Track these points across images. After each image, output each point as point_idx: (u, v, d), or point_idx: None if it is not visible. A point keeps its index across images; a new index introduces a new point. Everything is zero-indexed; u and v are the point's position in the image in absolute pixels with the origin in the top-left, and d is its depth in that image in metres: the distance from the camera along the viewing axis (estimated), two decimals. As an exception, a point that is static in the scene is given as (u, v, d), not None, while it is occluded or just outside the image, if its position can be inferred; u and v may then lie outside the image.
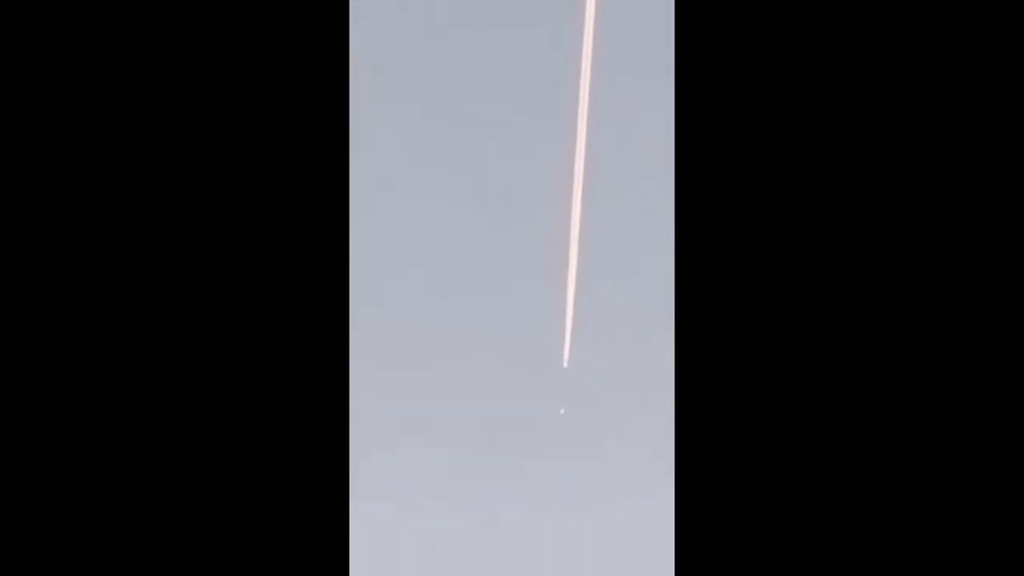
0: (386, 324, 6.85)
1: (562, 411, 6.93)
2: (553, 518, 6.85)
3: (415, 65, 6.76)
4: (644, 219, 6.80)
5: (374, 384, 6.69)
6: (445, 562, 6.87)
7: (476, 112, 6.84)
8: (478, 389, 6.87)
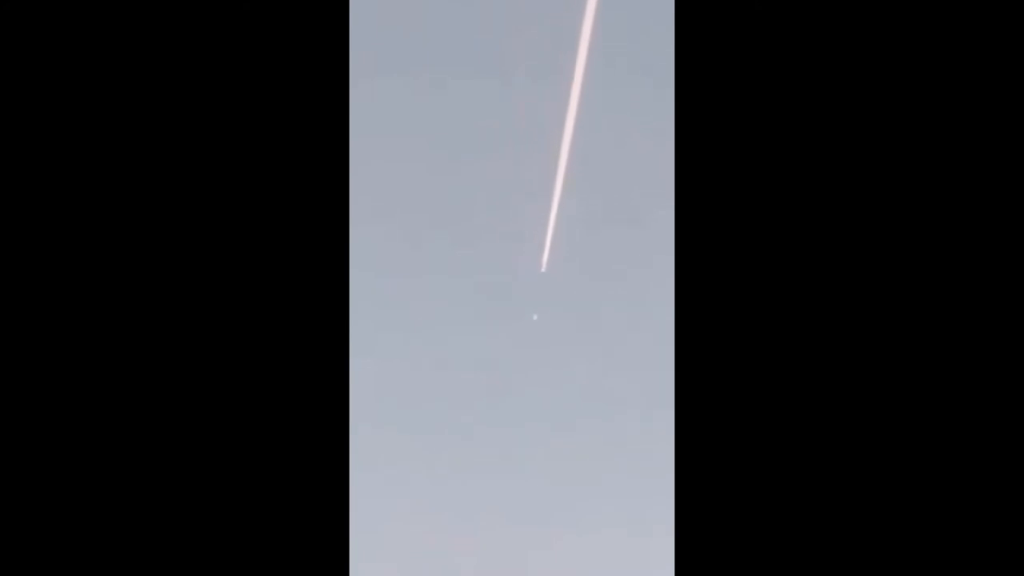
0: (375, 229, 6.82)
1: (535, 317, 6.85)
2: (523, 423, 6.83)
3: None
4: (632, 139, 6.74)
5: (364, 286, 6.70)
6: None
7: (475, 47, 6.76)
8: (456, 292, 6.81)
